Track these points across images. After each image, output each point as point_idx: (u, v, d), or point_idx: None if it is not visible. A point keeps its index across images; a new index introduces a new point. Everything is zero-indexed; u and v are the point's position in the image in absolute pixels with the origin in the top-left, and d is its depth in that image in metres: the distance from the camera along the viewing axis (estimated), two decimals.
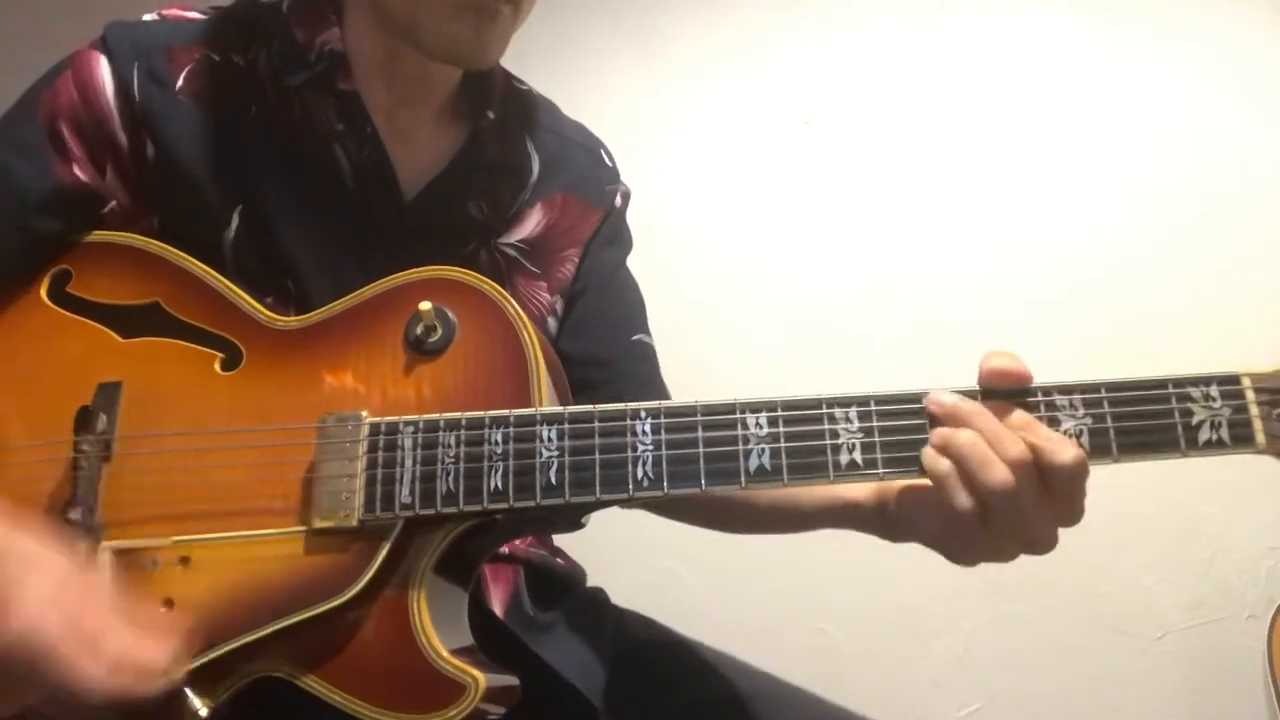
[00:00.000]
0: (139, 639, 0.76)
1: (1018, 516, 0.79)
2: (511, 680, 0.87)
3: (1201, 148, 2.28)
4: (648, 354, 1.19)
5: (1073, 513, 0.81)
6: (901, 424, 0.82)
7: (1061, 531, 0.81)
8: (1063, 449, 0.78)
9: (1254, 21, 2.30)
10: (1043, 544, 0.82)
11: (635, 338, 1.18)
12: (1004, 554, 0.83)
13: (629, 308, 1.21)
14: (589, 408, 0.84)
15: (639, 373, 1.17)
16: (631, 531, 1.83)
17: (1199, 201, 2.26)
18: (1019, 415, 0.80)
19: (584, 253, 1.15)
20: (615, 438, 0.83)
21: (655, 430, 0.83)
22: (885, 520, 0.96)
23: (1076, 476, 0.79)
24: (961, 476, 0.79)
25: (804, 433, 0.82)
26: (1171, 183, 2.28)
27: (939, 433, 0.81)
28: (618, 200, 1.20)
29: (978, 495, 0.78)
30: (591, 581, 1.18)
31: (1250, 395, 0.80)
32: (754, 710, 1.02)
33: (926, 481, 0.85)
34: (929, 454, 0.81)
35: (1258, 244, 2.23)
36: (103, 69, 0.98)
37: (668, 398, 1.13)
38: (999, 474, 0.78)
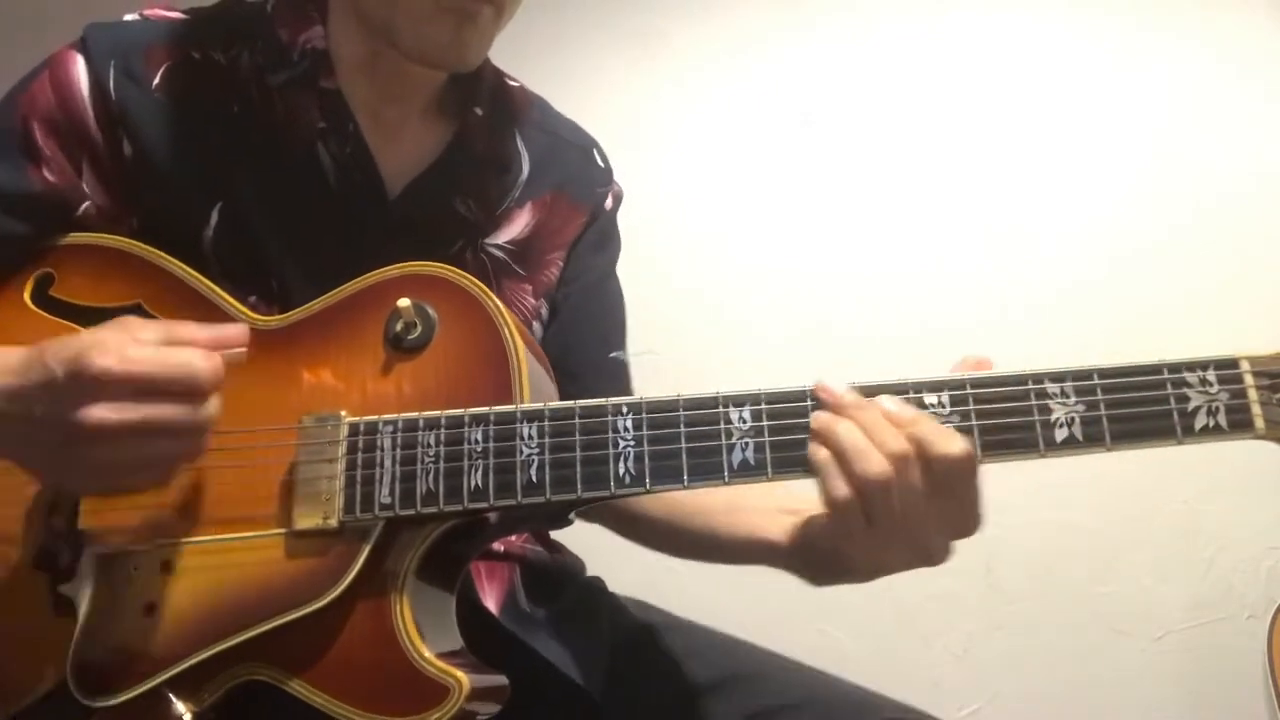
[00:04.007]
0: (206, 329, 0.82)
1: (902, 515, 0.77)
2: (500, 680, 0.86)
3: (1203, 146, 2.27)
4: (621, 373, 1.18)
5: (965, 516, 0.79)
6: None
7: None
8: (949, 440, 0.77)
9: (1255, 20, 2.30)
10: (934, 551, 0.80)
11: (612, 355, 1.17)
12: (891, 559, 0.82)
13: (610, 322, 1.19)
14: (570, 404, 0.84)
15: (609, 393, 1.15)
16: None
17: (1200, 200, 2.25)
18: (909, 410, 0.79)
19: (568, 255, 1.14)
20: (596, 434, 0.82)
21: (637, 426, 0.82)
22: (801, 556, 0.94)
23: (964, 472, 0.77)
24: (839, 466, 0.78)
25: (788, 426, 0.81)
26: (1173, 182, 2.27)
27: (818, 419, 0.80)
28: (608, 202, 1.19)
29: (855, 485, 0.77)
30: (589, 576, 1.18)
31: (1249, 380, 0.78)
32: (755, 687, 1.01)
33: None
34: (810, 444, 0.80)
35: (1260, 243, 2.22)
36: (79, 68, 0.98)
37: None
38: (876, 464, 0.76)
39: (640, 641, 1.08)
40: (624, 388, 1.17)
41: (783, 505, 0.98)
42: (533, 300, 1.11)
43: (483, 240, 1.08)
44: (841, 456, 0.78)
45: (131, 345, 0.77)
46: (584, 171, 1.17)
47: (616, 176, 1.22)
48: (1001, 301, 2.26)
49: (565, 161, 1.16)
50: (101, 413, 0.75)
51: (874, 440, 0.77)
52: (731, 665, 1.04)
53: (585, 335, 1.15)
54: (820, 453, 0.79)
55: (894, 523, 0.78)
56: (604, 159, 1.21)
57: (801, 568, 0.95)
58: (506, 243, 1.09)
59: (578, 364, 1.13)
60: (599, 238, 1.18)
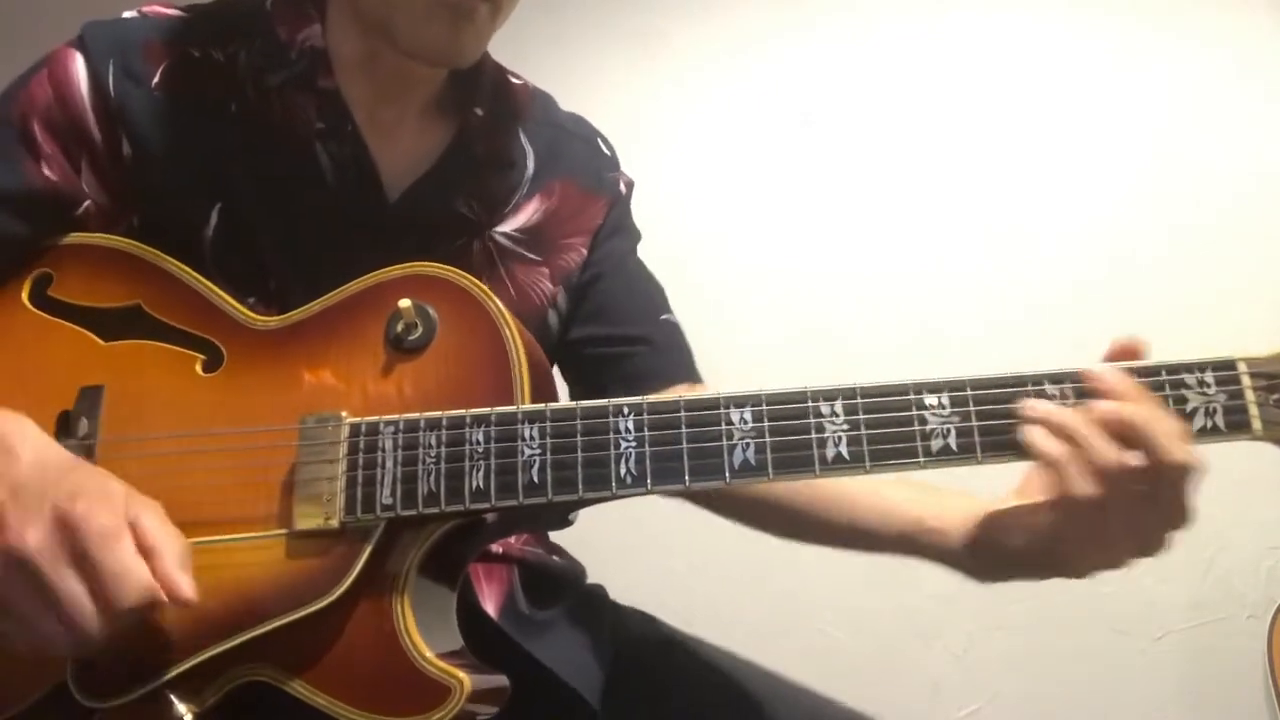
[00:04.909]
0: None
1: (1135, 505, 0.76)
2: (500, 681, 0.86)
3: (1203, 146, 2.27)
4: (679, 333, 1.19)
5: (1175, 510, 0.78)
6: (888, 416, 0.80)
7: None
8: (1176, 445, 0.75)
9: (1255, 20, 2.30)
10: (1154, 544, 0.79)
11: (664, 317, 1.18)
12: (1117, 554, 0.80)
13: (653, 289, 1.20)
14: (571, 405, 0.84)
15: (678, 353, 1.17)
16: (631, 531, 1.81)
17: (1200, 200, 2.25)
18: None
19: (593, 242, 1.14)
20: (598, 435, 0.82)
21: (638, 427, 0.82)
22: (992, 548, 0.90)
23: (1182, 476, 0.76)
24: (1078, 457, 0.76)
25: (789, 426, 0.80)
26: (1173, 182, 2.27)
27: (1034, 407, 0.78)
28: (621, 188, 1.19)
29: (1098, 475, 0.75)
30: (590, 581, 1.17)
31: (1246, 381, 0.78)
32: (754, 708, 1.01)
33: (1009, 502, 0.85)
34: (1039, 435, 0.78)
35: (1261, 243, 2.22)
36: (77, 66, 0.98)
37: (700, 378, 1.14)
38: (1119, 453, 0.75)
39: (641, 654, 1.07)
40: (684, 345, 1.18)
41: (946, 495, 0.96)
42: (550, 285, 1.11)
43: (489, 230, 1.08)
44: (1082, 445, 0.76)
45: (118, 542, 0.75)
46: (591, 160, 1.18)
47: None
48: (1001, 301, 2.26)
49: (570, 153, 1.16)
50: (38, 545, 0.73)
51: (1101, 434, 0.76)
52: (732, 685, 1.03)
53: (638, 303, 1.17)
54: (1053, 444, 0.77)
55: (1128, 513, 0.77)
56: (609, 147, 1.21)
57: (985, 560, 0.92)
58: (515, 230, 1.09)
59: (645, 329, 1.15)
60: (618, 223, 1.18)
